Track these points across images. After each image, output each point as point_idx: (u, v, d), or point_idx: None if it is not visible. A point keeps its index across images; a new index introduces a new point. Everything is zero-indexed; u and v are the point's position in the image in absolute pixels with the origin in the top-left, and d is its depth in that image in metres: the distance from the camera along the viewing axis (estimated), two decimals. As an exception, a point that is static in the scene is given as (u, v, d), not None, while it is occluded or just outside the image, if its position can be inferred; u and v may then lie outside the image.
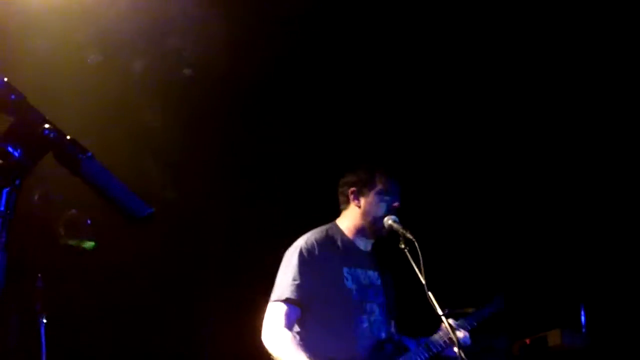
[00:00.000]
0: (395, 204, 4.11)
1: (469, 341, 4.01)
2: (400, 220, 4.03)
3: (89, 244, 6.53)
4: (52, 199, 6.28)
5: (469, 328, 4.05)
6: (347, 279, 4.04)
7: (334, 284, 4.00)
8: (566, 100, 6.04)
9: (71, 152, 1.80)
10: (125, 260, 6.52)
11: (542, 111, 6.14)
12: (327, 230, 4.19)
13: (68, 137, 1.83)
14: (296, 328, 3.96)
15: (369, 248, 4.26)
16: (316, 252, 4.01)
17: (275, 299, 3.92)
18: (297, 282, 3.91)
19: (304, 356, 3.72)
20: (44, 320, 5.33)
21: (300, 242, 4.07)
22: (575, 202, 6.09)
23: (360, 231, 4.20)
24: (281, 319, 3.85)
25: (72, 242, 6.46)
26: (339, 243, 4.15)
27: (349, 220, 4.22)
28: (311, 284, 3.93)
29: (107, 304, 6.48)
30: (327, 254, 4.05)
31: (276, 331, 3.82)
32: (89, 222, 6.47)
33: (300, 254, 3.99)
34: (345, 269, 4.06)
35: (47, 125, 1.80)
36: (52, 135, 1.80)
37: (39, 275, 5.44)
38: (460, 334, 3.95)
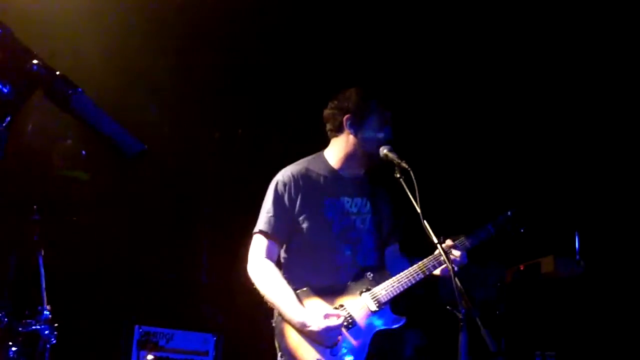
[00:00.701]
0: (389, 136, 4.06)
1: (465, 260, 4.01)
2: (394, 149, 3.98)
3: (84, 175, 6.54)
4: (46, 130, 6.25)
5: (469, 247, 4.05)
6: (327, 210, 4.02)
7: (313, 215, 4.00)
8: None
9: (61, 88, 1.77)
10: (121, 191, 6.53)
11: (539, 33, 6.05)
12: (308, 162, 4.15)
13: (57, 73, 1.80)
14: (282, 254, 4.04)
15: (358, 176, 4.18)
16: (292, 185, 4.01)
17: (254, 230, 4.01)
18: (269, 215, 3.97)
19: (280, 284, 3.83)
20: (42, 252, 5.36)
21: (278, 176, 4.08)
22: (570, 127, 6.06)
23: (351, 160, 4.11)
24: (260, 250, 3.95)
25: (66, 173, 6.46)
26: (322, 173, 4.10)
27: (339, 148, 4.14)
28: (286, 216, 3.97)
29: (105, 234, 6.51)
30: (306, 186, 4.03)
31: (255, 261, 3.93)
32: (83, 153, 6.46)
33: (276, 187, 4.02)
34: (326, 200, 4.04)
35: (35, 61, 1.77)
36: (41, 71, 1.77)
37: (35, 207, 5.43)
38: (457, 252, 3.96)
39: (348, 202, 4.09)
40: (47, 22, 5.52)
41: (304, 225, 3.98)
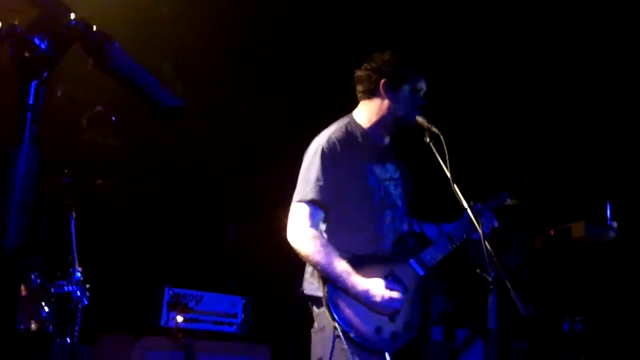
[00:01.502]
0: (422, 102, 4.03)
1: (496, 222, 4.04)
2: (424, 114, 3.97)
3: (113, 141, 6.60)
4: (76, 96, 6.31)
5: (497, 205, 4.08)
6: (369, 177, 3.97)
7: (357, 182, 3.93)
8: None
9: (99, 43, 1.79)
10: (150, 158, 6.59)
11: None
12: (346, 127, 4.02)
13: (95, 28, 1.81)
14: (322, 227, 3.89)
15: (387, 141, 4.12)
16: (338, 150, 3.88)
17: (299, 199, 3.85)
18: (320, 183, 3.81)
19: (334, 254, 3.72)
20: (73, 214, 5.43)
21: (321, 142, 3.92)
22: (604, 96, 5.99)
23: (381, 124, 4.03)
24: (306, 219, 3.80)
25: (97, 139, 6.53)
26: (360, 139, 4.00)
27: (371, 112, 4.05)
28: (334, 184, 3.84)
29: (134, 198, 6.59)
30: (349, 152, 3.92)
31: (302, 230, 3.78)
32: (113, 119, 6.51)
33: (323, 153, 3.86)
34: (367, 167, 3.98)
35: (73, 16, 1.78)
36: (79, 25, 1.78)
37: (65, 171, 5.49)
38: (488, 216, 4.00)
39: (383, 167, 4.06)
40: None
41: (348, 193, 3.89)
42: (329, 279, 3.72)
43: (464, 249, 4.11)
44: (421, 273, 3.91)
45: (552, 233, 5.00)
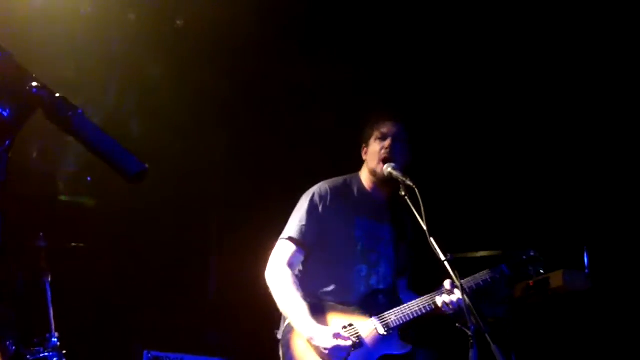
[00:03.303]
0: (387, 143, 4.09)
1: (462, 303, 3.96)
2: (412, 168, 4.04)
3: (89, 200, 6.55)
4: (51, 156, 6.27)
5: (468, 292, 3.99)
6: (356, 228, 4.14)
7: (342, 231, 4.12)
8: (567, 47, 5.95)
9: (61, 110, 1.77)
10: (126, 216, 6.52)
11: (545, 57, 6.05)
12: (345, 180, 4.31)
13: (57, 95, 1.79)
14: (300, 267, 4.12)
15: (385, 200, 4.29)
16: (328, 199, 4.15)
17: (282, 236, 4.12)
18: (302, 224, 4.07)
19: (296, 294, 3.89)
20: (49, 278, 5.36)
21: (315, 188, 4.22)
22: (577, 144, 6.04)
23: (372, 182, 4.26)
24: (284, 256, 4.04)
25: (72, 199, 6.47)
26: (355, 193, 4.25)
27: (364, 172, 4.31)
28: (316, 228, 4.08)
29: (111, 259, 6.50)
30: (340, 203, 4.17)
31: (276, 267, 4.01)
32: (89, 179, 6.47)
33: (312, 199, 4.15)
34: (357, 218, 4.16)
35: (35, 83, 1.77)
36: (41, 93, 1.77)
37: (41, 234, 5.44)
38: (455, 296, 3.90)
39: (375, 225, 4.22)
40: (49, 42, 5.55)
41: (330, 240, 4.10)
42: (285, 316, 3.94)
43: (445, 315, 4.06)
44: (381, 331, 3.90)
45: (531, 284, 4.99)
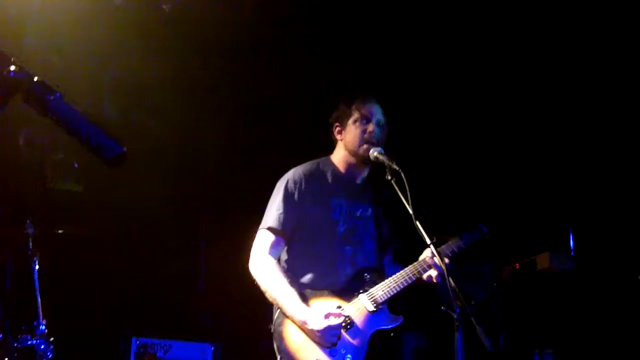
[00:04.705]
0: (370, 127, 4.10)
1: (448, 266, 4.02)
2: (388, 149, 4.01)
3: (77, 187, 6.53)
4: (38, 143, 6.25)
5: (450, 255, 4.05)
6: (334, 211, 4.10)
7: (320, 214, 4.08)
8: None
9: (39, 93, 1.76)
10: (115, 201, 6.51)
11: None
12: (318, 163, 4.26)
13: (36, 79, 1.78)
14: (283, 255, 4.10)
15: (361, 179, 4.26)
16: (303, 184, 4.11)
17: (261, 227, 4.07)
18: (279, 212, 4.04)
19: (283, 281, 3.87)
20: (37, 264, 5.34)
21: (289, 174, 4.17)
22: (562, 123, 6.06)
23: (348, 163, 4.21)
24: (265, 246, 4.00)
25: (59, 186, 6.45)
26: (329, 175, 4.20)
27: (338, 154, 4.27)
28: (295, 214, 4.05)
29: (99, 245, 6.49)
30: (315, 186, 4.13)
31: (259, 257, 3.98)
32: (75, 165, 6.45)
33: (286, 185, 4.11)
34: (333, 200, 4.12)
35: (13, 67, 1.76)
36: (19, 76, 1.76)
37: (28, 219, 5.42)
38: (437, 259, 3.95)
39: (353, 204, 4.17)
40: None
41: (309, 224, 4.06)
42: (276, 305, 3.90)
43: (433, 287, 4.08)
44: (370, 308, 3.90)
45: (517, 267, 5.01)
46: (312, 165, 4.24)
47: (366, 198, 4.23)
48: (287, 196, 4.07)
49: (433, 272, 3.96)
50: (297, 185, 4.10)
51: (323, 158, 4.31)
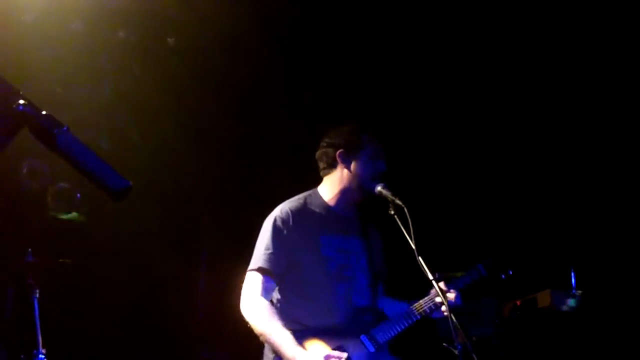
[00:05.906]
0: (383, 168, 4.05)
1: (460, 301, 3.98)
2: (389, 186, 3.98)
3: (79, 217, 6.54)
4: (40, 173, 6.27)
5: (461, 287, 4.03)
6: (324, 247, 3.98)
7: (310, 252, 3.96)
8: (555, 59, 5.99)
9: (46, 127, 1.77)
10: (116, 233, 6.51)
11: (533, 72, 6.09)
12: (305, 198, 4.11)
13: (43, 112, 1.80)
14: (275, 295, 3.96)
15: (351, 213, 4.16)
16: (291, 221, 3.96)
17: (250, 268, 3.93)
18: (269, 252, 3.89)
19: (277, 324, 3.73)
20: (37, 294, 5.33)
21: (276, 212, 4.02)
22: (564, 164, 6.08)
23: (344, 196, 4.08)
24: (257, 288, 3.86)
25: (62, 216, 6.46)
26: (318, 210, 4.07)
27: (332, 185, 4.11)
28: (284, 253, 3.91)
29: (100, 276, 6.48)
30: (303, 223, 3.99)
31: (251, 299, 3.84)
32: (78, 195, 6.47)
33: (274, 223, 3.96)
34: (322, 237, 4.00)
35: (21, 101, 1.77)
36: (26, 110, 1.77)
37: (29, 249, 5.42)
38: (451, 294, 3.93)
39: (343, 239, 4.06)
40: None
41: (301, 263, 3.92)
42: (272, 348, 3.75)
43: (432, 323, 4.07)
44: (371, 349, 3.85)
45: (518, 303, 4.99)
46: (299, 200, 4.10)
47: (357, 231, 4.14)
48: (276, 235, 3.92)
49: (444, 308, 3.88)
50: (285, 224, 3.96)
51: (310, 192, 4.17)
